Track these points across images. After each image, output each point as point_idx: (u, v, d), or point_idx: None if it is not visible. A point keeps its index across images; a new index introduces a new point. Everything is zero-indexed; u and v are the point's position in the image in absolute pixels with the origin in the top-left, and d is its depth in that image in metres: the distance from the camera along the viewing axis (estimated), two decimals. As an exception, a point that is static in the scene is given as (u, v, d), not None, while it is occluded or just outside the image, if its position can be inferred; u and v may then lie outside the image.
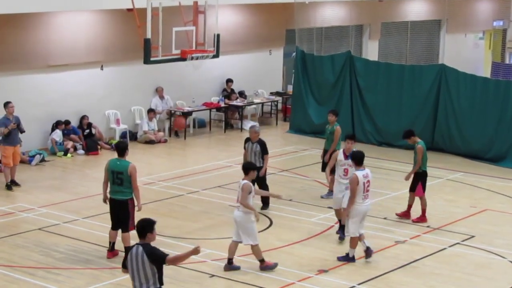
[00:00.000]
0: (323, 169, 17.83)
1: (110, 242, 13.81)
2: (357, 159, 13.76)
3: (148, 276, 9.14)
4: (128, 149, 13.90)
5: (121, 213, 13.50)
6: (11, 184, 18.28)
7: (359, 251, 13.89)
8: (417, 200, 16.30)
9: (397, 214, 16.49)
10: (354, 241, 13.79)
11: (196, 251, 9.01)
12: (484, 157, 21.83)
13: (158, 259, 9.12)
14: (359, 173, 13.61)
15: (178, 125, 20.33)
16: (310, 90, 25.30)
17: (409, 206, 16.43)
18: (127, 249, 13.49)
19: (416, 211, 16.36)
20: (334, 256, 14.15)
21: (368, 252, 13.91)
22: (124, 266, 9.47)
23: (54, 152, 21.55)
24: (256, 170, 13.82)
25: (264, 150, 16.67)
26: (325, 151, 17.92)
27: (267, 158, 16.81)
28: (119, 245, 13.73)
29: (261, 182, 16.65)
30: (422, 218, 16.22)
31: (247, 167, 13.45)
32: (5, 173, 18.33)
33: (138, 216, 10.73)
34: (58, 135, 21.76)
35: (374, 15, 31.05)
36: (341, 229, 15.04)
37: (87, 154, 21.89)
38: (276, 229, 15.77)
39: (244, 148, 16.79)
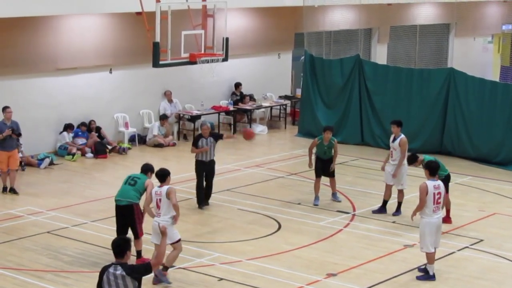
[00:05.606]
0: (318, 175, 17.56)
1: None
2: (431, 169, 13.26)
3: None
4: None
5: (128, 219, 13.37)
6: (10, 192, 18.03)
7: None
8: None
9: None
10: (430, 257, 13.25)
11: (163, 232, 9.46)
12: (492, 161, 21.78)
13: (143, 272, 8.76)
14: (430, 183, 13.09)
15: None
16: (318, 94, 25.27)
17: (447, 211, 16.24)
18: (139, 253, 13.49)
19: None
20: (343, 259, 14.13)
21: (428, 277, 13.33)
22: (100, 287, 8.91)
23: (62, 154, 21.61)
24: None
25: (217, 137, 17.14)
26: (318, 159, 17.56)
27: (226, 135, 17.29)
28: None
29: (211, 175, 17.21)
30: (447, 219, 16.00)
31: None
32: (1, 177, 18.18)
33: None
34: (64, 138, 21.82)
35: (383, 18, 31.04)
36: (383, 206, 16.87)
37: (96, 157, 21.95)
38: (284, 232, 15.75)
39: (197, 146, 16.99)
